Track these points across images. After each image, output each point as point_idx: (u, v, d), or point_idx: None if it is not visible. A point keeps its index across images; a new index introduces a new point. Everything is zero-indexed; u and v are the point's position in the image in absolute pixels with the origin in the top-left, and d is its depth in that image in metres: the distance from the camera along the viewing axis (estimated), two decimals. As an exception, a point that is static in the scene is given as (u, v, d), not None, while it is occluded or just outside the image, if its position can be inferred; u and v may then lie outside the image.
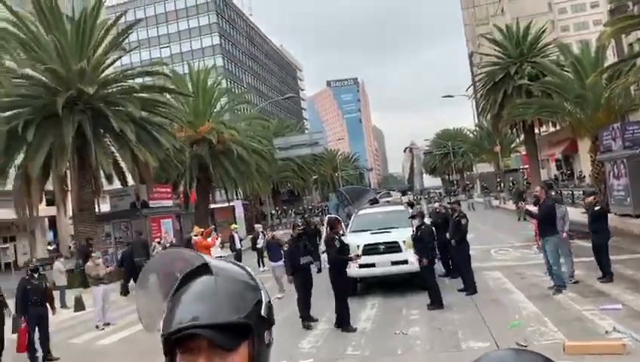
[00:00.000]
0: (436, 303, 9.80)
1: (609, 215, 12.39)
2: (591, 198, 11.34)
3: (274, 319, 1.12)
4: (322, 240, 10.25)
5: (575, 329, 7.54)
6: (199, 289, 1.04)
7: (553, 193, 19.21)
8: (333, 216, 12.85)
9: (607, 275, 10.14)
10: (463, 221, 11.25)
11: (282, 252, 12.02)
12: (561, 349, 6.49)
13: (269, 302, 1.11)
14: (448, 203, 14.12)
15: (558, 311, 8.69)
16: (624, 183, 18.79)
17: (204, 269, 1.07)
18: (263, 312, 1.07)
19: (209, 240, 16.73)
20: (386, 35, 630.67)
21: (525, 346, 6.99)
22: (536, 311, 8.75)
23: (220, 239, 19.83)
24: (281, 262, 12.27)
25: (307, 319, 9.52)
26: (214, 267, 1.07)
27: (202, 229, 18.02)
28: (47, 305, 9.68)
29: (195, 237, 16.32)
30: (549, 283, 10.39)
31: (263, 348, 1.06)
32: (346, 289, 9.79)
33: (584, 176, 36.62)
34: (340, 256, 9.73)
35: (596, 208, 10.90)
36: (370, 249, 11.56)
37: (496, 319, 8.58)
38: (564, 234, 10.66)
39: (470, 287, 10.75)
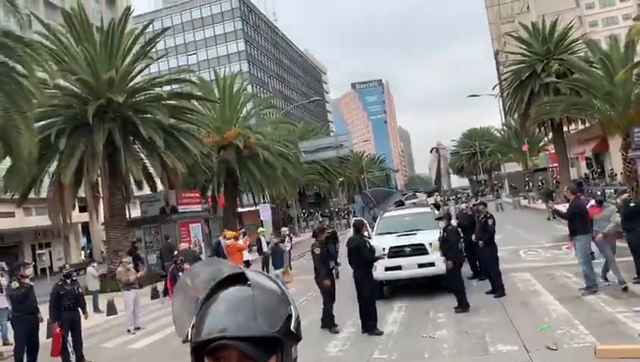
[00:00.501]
0: (462, 305, 9.74)
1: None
2: (625, 196, 11.17)
3: (301, 334, 1.13)
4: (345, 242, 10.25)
5: (607, 332, 7.41)
6: (233, 299, 1.05)
7: (582, 194, 18.79)
8: (358, 218, 12.85)
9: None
10: (490, 221, 11.15)
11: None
12: (593, 352, 6.40)
13: (298, 316, 1.12)
14: (474, 204, 13.95)
15: (589, 313, 8.54)
16: (657, 181, 18.35)
17: (239, 279, 1.09)
18: (292, 327, 1.08)
19: (240, 242, 16.87)
20: (410, 36, 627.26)
21: (555, 349, 6.92)
22: (567, 314, 8.62)
23: (247, 242, 20.03)
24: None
25: (332, 326, 9.53)
26: (251, 278, 1.08)
27: (234, 233, 18.22)
28: (80, 309, 9.93)
29: (228, 241, 16.49)
30: (580, 284, 10.23)
31: None
32: (374, 291, 9.81)
33: (615, 174, 35.75)
34: (373, 256, 9.79)
35: (631, 205, 10.69)
36: (396, 251, 11.55)
37: (525, 322, 8.49)
38: (600, 235, 10.27)
39: (498, 289, 10.66)
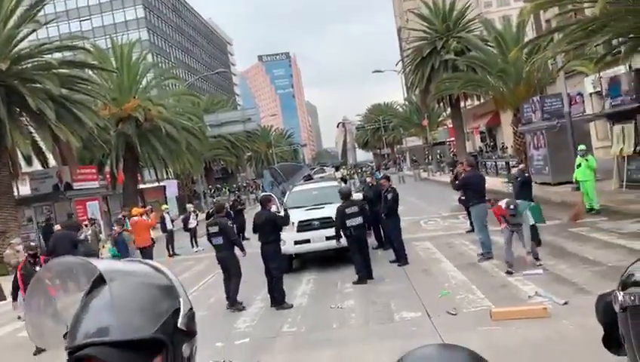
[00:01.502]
0: (360, 278, 9.92)
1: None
2: (522, 166, 12.21)
3: (195, 329, 1.00)
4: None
5: (501, 296, 7.91)
6: (96, 301, 0.92)
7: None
8: (266, 193, 12.74)
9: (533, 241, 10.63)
10: (389, 196, 11.46)
11: None
12: (489, 315, 6.80)
13: (190, 309, 0.99)
14: (376, 179, 14.28)
15: (484, 278, 9.09)
16: (543, 153, 19.84)
17: (101, 276, 0.94)
18: (180, 324, 0.95)
19: (147, 219, 16.15)
20: (314, 7, 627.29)
21: (455, 314, 7.28)
22: (465, 280, 9.11)
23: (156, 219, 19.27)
24: None
25: (235, 304, 9.38)
26: (110, 273, 0.93)
27: (140, 210, 17.44)
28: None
29: (135, 218, 15.75)
30: (476, 251, 10.85)
31: None
32: (282, 266, 9.80)
33: (506, 147, 38.36)
34: (287, 219, 9.84)
35: (525, 175, 11.63)
36: (305, 225, 11.65)
37: (427, 289, 8.87)
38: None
39: (402, 258, 11.05)
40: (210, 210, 17.01)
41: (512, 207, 8.95)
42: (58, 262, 1.03)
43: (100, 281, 0.94)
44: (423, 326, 7.01)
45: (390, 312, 7.99)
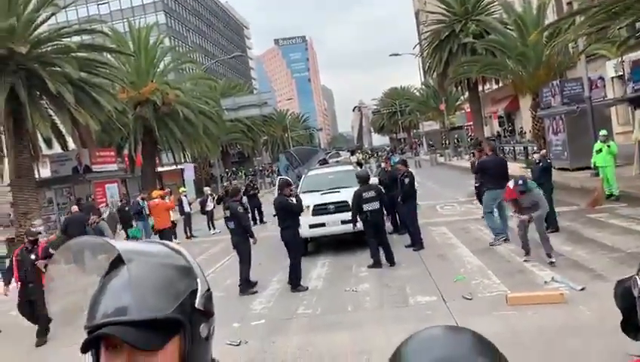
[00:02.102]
0: (375, 262, 9.97)
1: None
2: (543, 152, 12.17)
3: (213, 309, 1.02)
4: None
5: (517, 281, 7.89)
6: (115, 282, 0.94)
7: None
8: (283, 178, 12.79)
9: (550, 227, 10.55)
10: (406, 180, 11.43)
11: None
12: (505, 301, 6.80)
13: (208, 290, 1.01)
14: (392, 164, 14.22)
15: (500, 263, 9.06)
16: (562, 138, 19.57)
17: (119, 257, 0.95)
18: (198, 304, 0.96)
19: (167, 201, 16.36)
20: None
21: (470, 298, 7.29)
22: (480, 265, 9.10)
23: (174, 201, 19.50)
24: None
25: (247, 288, 9.49)
26: (129, 253, 0.95)
27: (160, 192, 17.66)
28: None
29: (156, 200, 15.94)
30: (492, 236, 10.80)
31: (198, 343, 0.96)
32: (299, 249, 9.87)
33: (525, 132, 37.88)
34: (301, 205, 9.83)
35: (547, 161, 11.51)
36: (321, 209, 11.70)
37: (442, 273, 8.88)
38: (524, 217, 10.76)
39: (417, 243, 11.05)
40: (221, 194, 17.16)
41: (520, 182, 8.44)
42: (78, 242, 1.04)
43: (118, 262, 0.96)
44: (438, 310, 7.04)
45: (405, 296, 8.03)
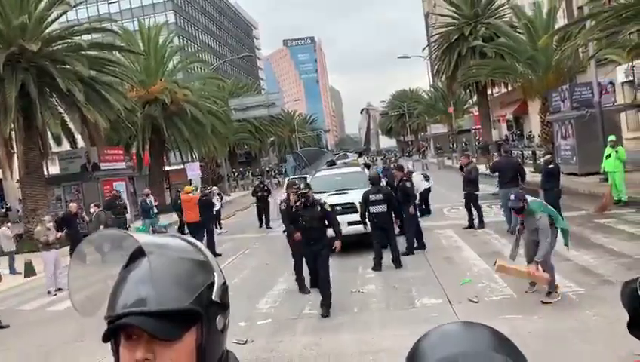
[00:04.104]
0: (376, 265, 9.97)
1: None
2: (548, 157, 12.20)
3: (228, 302, 1.05)
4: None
5: (524, 285, 7.84)
6: (135, 273, 0.96)
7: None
8: (291, 178, 12.83)
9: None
10: (408, 184, 11.46)
11: None
12: (510, 303, 6.79)
13: (224, 283, 1.03)
14: (391, 168, 14.32)
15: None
16: (571, 143, 19.49)
17: (140, 249, 0.98)
18: (214, 296, 0.99)
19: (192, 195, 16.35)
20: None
21: (476, 302, 7.29)
22: (487, 268, 9.06)
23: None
24: None
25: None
26: (149, 246, 0.97)
27: (192, 187, 17.72)
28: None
29: (190, 194, 15.94)
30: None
31: (214, 334, 0.99)
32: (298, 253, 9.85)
33: (533, 136, 37.73)
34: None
35: (549, 167, 11.53)
36: (328, 210, 11.71)
37: (448, 276, 8.87)
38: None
39: (411, 248, 10.93)
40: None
41: (512, 197, 6.96)
42: (100, 235, 1.06)
43: (138, 254, 0.98)
44: (444, 313, 7.03)
45: (411, 298, 8.03)
